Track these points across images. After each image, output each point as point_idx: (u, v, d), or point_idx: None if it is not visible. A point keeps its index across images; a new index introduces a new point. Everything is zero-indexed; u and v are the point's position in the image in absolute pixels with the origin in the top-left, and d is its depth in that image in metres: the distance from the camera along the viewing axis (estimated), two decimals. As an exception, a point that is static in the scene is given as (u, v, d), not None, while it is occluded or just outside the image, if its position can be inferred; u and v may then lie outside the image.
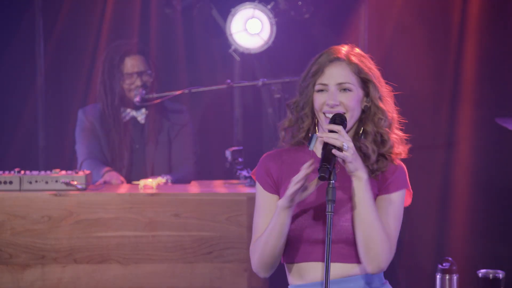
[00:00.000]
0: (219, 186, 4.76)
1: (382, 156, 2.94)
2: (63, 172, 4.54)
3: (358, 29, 5.88)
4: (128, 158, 5.35)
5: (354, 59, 2.94)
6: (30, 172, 4.53)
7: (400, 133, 2.99)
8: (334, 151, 2.72)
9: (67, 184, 4.47)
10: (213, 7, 5.92)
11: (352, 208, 2.83)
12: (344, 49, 2.97)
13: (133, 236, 4.42)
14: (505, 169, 5.81)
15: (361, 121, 2.96)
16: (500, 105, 5.76)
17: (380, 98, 2.95)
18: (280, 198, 2.91)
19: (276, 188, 2.98)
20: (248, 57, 5.89)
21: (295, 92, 3.03)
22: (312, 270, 2.90)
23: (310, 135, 2.94)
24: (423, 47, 5.92)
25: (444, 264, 4.61)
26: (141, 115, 5.40)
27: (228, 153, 4.94)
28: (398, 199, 2.92)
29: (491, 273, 4.61)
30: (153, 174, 5.29)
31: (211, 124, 6.20)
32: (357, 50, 3.00)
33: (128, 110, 5.37)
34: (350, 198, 2.86)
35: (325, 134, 2.77)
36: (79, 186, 4.47)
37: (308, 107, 2.95)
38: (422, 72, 5.92)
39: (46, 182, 4.48)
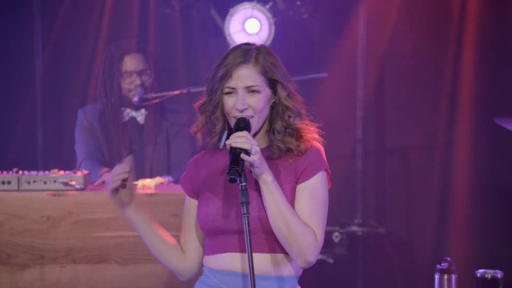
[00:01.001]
0: (217, 186, 4.74)
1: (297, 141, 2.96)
2: (61, 172, 4.53)
3: (357, 29, 5.88)
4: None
5: (260, 59, 2.94)
6: (29, 172, 4.52)
7: (310, 123, 3.00)
8: (242, 155, 2.75)
9: (66, 184, 4.46)
10: (211, 6, 5.92)
11: (265, 209, 2.86)
12: (250, 48, 2.97)
13: (132, 236, 4.41)
14: (504, 169, 5.81)
15: (271, 117, 2.98)
16: (499, 105, 5.76)
17: (289, 96, 2.96)
18: (198, 199, 3.01)
19: (196, 191, 3.04)
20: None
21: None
22: (228, 260, 2.93)
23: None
24: (421, 46, 5.92)
25: (442, 264, 4.61)
26: (140, 116, 5.40)
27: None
28: (318, 183, 2.93)
29: (489, 273, 4.60)
30: (152, 174, 5.29)
31: (209, 123, 6.18)
32: (264, 48, 2.99)
33: (128, 110, 5.37)
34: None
35: (232, 140, 2.79)
36: (77, 186, 4.47)
37: (219, 110, 2.96)
38: (421, 71, 5.93)
39: (45, 182, 4.47)
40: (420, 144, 5.93)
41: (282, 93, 2.95)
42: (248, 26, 5.68)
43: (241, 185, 2.74)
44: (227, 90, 2.93)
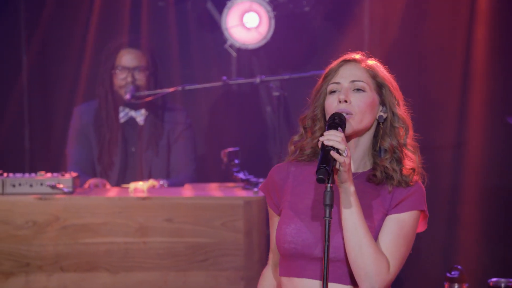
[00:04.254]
0: (214, 189, 4.75)
1: (403, 170, 2.89)
2: (49, 174, 4.52)
3: (362, 22, 5.87)
4: (121, 161, 5.32)
5: (369, 62, 2.93)
6: (14, 174, 4.50)
7: (415, 145, 2.95)
8: (332, 152, 2.68)
9: (53, 187, 4.45)
10: (208, -1, 5.93)
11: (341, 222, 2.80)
12: (359, 55, 2.96)
13: (123, 243, 4.39)
14: (517, 171, 5.81)
15: (377, 136, 2.92)
16: (511, 103, 5.75)
17: (398, 105, 2.91)
18: (280, 215, 2.93)
19: (277, 205, 2.97)
20: (245, 53, 5.89)
21: (307, 103, 2.99)
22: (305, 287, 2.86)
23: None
24: (429, 42, 5.90)
25: (452, 273, 4.60)
26: (140, 116, 5.36)
27: (223, 154, 4.92)
28: (410, 220, 2.85)
29: (503, 282, 4.59)
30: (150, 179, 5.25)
31: (205, 123, 6.19)
32: (374, 59, 2.98)
33: (127, 109, 5.33)
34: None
35: (326, 136, 2.72)
36: (66, 190, 4.45)
37: (320, 109, 2.92)
38: (429, 68, 5.91)
39: (31, 185, 4.45)
40: (429, 145, 5.90)
41: (391, 98, 2.90)
42: (247, 20, 5.67)
43: (328, 186, 2.66)
44: (331, 87, 2.89)
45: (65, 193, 4.45)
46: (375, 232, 2.82)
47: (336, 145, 2.68)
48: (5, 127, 6.04)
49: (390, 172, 2.86)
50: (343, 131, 2.78)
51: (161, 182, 4.94)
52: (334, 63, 2.94)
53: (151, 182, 4.75)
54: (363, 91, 2.88)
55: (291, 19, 5.92)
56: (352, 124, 2.84)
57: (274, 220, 2.98)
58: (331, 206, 2.66)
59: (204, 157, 6.01)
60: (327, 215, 2.66)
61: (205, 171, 5.89)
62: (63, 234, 4.37)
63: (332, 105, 2.87)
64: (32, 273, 4.37)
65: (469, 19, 5.82)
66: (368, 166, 2.92)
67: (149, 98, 5.25)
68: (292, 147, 2.98)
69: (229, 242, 4.40)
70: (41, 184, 4.46)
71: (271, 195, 2.99)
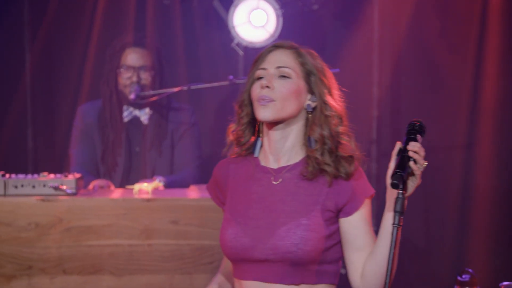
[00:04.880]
0: (220, 191, 4.72)
1: (340, 160, 2.87)
2: (52, 175, 4.51)
3: (371, 21, 5.87)
4: (125, 161, 5.31)
5: (300, 49, 2.92)
6: (16, 175, 4.49)
7: (350, 135, 2.93)
8: (412, 163, 2.69)
9: (56, 188, 4.43)
10: (214, -4, 5.93)
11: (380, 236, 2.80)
12: (292, 43, 2.96)
13: (127, 245, 4.38)
14: (530, 172, 5.79)
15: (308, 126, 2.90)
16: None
17: (330, 94, 2.88)
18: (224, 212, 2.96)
19: (223, 201, 2.99)
20: (252, 52, 5.86)
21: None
22: None
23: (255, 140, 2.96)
24: (440, 41, 5.88)
25: (463, 276, 4.57)
26: (144, 115, 5.36)
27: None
28: (367, 209, 2.88)
29: (515, 285, 4.57)
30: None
31: (211, 123, 6.18)
32: (307, 48, 2.97)
33: (131, 109, 5.32)
34: (298, 212, 2.80)
35: (412, 147, 2.71)
36: (69, 191, 4.44)
37: (247, 94, 2.93)
38: (439, 67, 5.89)
39: (33, 187, 4.44)
40: (439, 145, 5.90)
41: (321, 88, 2.88)
42: (254, 18, 5.67)
43: (400, 193, 2.68)
44: (258, 73, 2.89)
45: (68, 194, 4.44)
46: (313, 231, 2.78)
47: (419, 160, 2.69)
48: (8, 127, 6.04)
49: (321, 165, 2.83)
50: (423, 135, 2.78)
51: (158, 179, 4.93)
52: (265, 49, 2.94)
53: (156, 183, 4.74)
54: (288, 77, 2.86)
55: (299, 18, 5.92)
56: (273, 111, 2.83)
57: (221, 213, 3.02)
58: (400, 213, 2.67)
59: (210, 157, 6.00)
60: (396, 221, 2.67)
61: (211, 171, 5.88)
62: (67, 236, 4.36)
63: (255, 91, 2.88)
64: (34, 276, 4.36)
65: (480, 18, 5.81)
66: (300, 157, 2.89)
67: (154, 98, 5.24)
68: (230, 137, 3.01)
69: (235, 244, 4.39)
70: (44, 186, 4.44)
71: (217, 193, 3.02)
